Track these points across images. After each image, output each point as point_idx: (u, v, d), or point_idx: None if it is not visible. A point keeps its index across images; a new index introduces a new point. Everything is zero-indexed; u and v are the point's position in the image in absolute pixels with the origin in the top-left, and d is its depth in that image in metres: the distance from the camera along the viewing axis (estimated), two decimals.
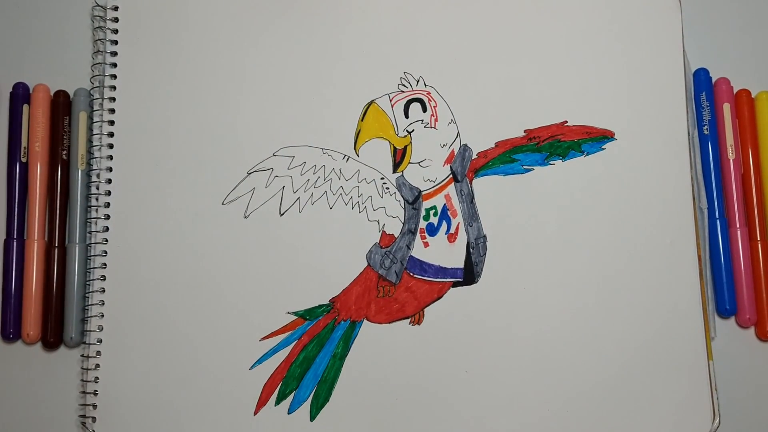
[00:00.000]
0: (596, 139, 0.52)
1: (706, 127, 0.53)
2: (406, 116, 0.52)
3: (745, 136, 0.54)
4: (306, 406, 0.50)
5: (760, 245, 0.53)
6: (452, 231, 0.51)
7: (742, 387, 0.52)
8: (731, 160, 0.54)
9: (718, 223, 0.53)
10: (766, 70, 0.56)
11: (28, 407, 0.51)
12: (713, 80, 0.55)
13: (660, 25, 0.53)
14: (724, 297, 0.52)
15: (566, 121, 0.52)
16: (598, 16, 0.54)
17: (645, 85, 0.53)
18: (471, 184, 0.52)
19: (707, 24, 0.56)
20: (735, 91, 0.55)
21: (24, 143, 0.52)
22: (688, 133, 0.52)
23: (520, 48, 0.53)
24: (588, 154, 0.52)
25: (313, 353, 0.50)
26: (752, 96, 0.55)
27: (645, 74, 0.53)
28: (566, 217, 0.51)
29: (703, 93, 0.54)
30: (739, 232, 0.53)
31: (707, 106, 0.54)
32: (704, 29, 0.56)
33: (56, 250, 0.51)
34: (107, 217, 0.51)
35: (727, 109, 0.54)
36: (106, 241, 0.51)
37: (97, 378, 0.50)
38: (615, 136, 0.52)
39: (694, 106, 0.54)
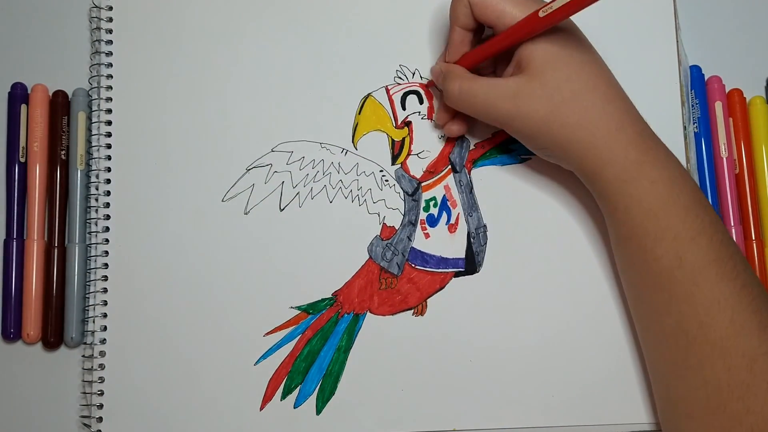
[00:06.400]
0: None
1: (696, 125, 0.54)
2: (404, 108, 0.52)
3: (738, 135, 0.54)
4: (312, 400, 0.49)
5: (755, 244, 0.53)
6: (452, 221, 0.52)
7: None
8: (724, 159, 0.54)
9: None
10: (758, 70, 0.56)
11: (28, 407, 0.50)
12: (705, 78, 0.55)
13: (653, 16, 0.54)
14: None
15: None
16: (590, 7, 0.54)
17: (639, 77, 0.53)
18: (470, 174, 0.52)
19: (700, 21, 0.57)
20: (727, 90, 0.55)
21: (23, 143, 0.52)
22: (684, 126, 0.53)
23: None
24: None
25: (317, 347, 0.50)
26: (743, 95, 0.55)
27: (639, 65, 0.53)
28: (564, 205, 0.52)
29: (693, 91, 0.54)
30: (733, 230, 0.53)
31: (697, 104, 0.54)
32: (697, 27, 0.57)
33: (56, 250, 0.51)
34: (107, 217, 0.51)
35: (719, 107, 0.54)
36: (107, 241, 0.51)
37: (101, 378, 0.49)
38: None
39: (690, 101, 0.54)
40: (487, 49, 0.47)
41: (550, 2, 0.42)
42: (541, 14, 0.43)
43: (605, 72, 0.46)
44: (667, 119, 0.53)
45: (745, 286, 0.42)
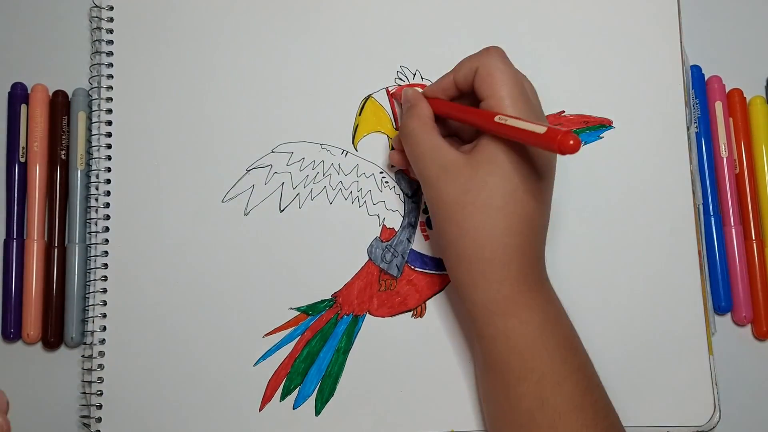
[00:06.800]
0: (594, 128, 0.53)
1: (696, 125, 0.54)
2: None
3: (738, 135, 0.54)
4: (311, 401, 0.49)
5: (755, 244, 0.53)
6: None
7: (737, 385, 0.52)
8: (724, 159, 0.54)
9: (713, 219, 0.53)
10: (758, 70, 0.57)
11: (28, 407, 0.50)
12: (705, 78, 0.55)
13: (657, 16, 0.54)
14: (719, 293, 0.52)
15: (563, 111, 0.53)
16: (594, 6, 0.54)
17: (642, 77, 0.53)
18: None
19: (700, 21, 0.57)
20: (727, 90, 0.55)
21: (23, 143, 0.52)
22: (687, 126, 0.53)
23: (516, 39, 0.53)
24: (586, 143, 0.52)
25: (316, 348, 0.50)
26: (744, 95, 0.55)
27: (642, 65, 0.54)
28: (564, 207, 0.52)
29: (693, 91, 0.54)
30: (733, 230, 0.53)
31: (697, 104, 0.54)
32: (697, 27, 0.56)
33: (56, 250, 0.51)
34: (107, 217, 0.51)
35: (719, 107, 0.54)
36: (107, 241, 0.51)
37: (101, 378, 0.49)
38: (613, 125, 0.53)
39: (690, 101, 0.54)
40: (459, 112, 0.45)
41: (511, 115, 0.40)
42: (496, 119, 0.40)
43: (532, 205, 0.43)
44: (671, 120, 0.53)
45: None
